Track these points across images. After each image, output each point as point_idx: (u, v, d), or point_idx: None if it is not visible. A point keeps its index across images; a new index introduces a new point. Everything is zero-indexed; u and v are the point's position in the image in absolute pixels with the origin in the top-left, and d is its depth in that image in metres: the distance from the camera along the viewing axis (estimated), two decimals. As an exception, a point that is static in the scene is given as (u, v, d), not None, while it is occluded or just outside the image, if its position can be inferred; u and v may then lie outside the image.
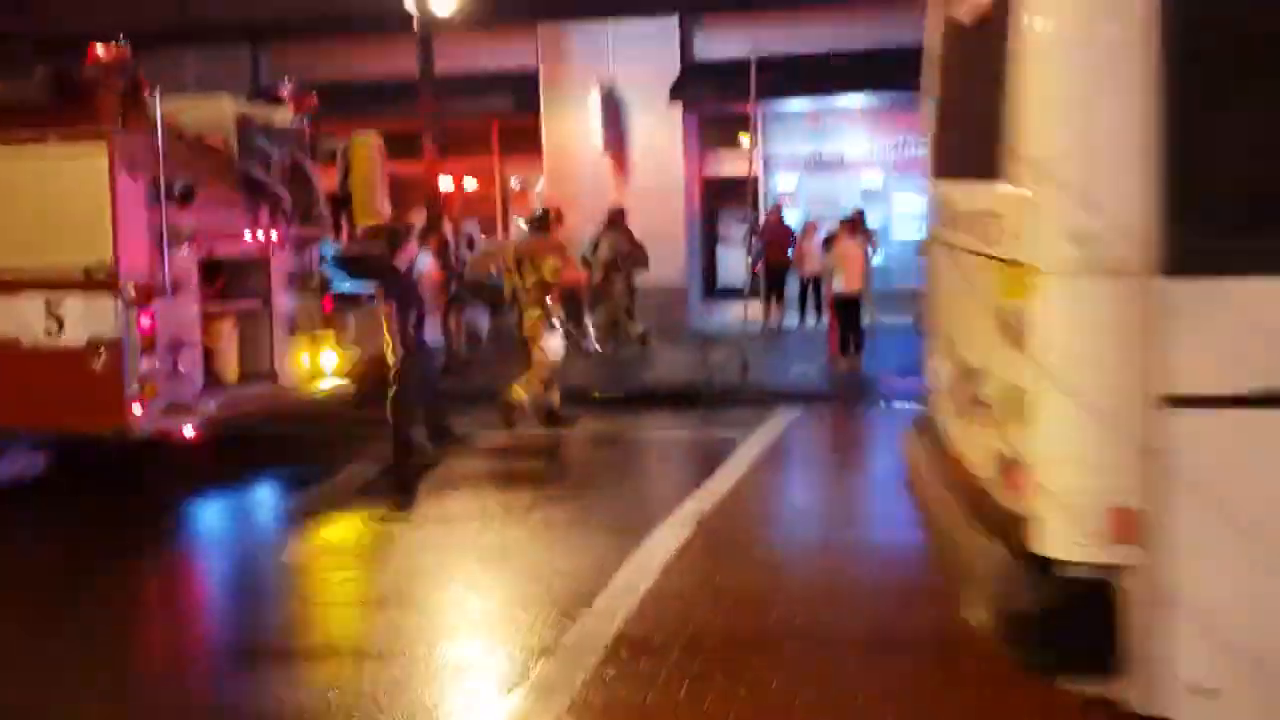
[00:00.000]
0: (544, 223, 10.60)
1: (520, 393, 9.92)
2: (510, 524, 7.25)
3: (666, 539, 6.53)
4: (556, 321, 10.12)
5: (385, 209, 10.50)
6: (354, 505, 7.97)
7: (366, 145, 10.27)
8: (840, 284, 12.93)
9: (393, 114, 16.30)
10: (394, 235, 9.43)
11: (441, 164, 15.32)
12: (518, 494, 8.05)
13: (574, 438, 10.14)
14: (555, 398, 10.27)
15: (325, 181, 10.01)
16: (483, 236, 16.84)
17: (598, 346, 12.24)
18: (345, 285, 11.08)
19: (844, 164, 17.79)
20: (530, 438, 9.96)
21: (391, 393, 8.81)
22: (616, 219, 14.86)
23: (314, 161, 9.77)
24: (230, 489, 8.61)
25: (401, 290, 8.94)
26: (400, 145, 16.51)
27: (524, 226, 10.91)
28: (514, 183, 19.02)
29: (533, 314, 9.98)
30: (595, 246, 14.74)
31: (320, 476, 8.75)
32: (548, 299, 10.00)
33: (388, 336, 8.81)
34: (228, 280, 9.19)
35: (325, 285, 9.89)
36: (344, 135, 10.88)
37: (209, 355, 8.75)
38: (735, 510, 7.25)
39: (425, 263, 12.69)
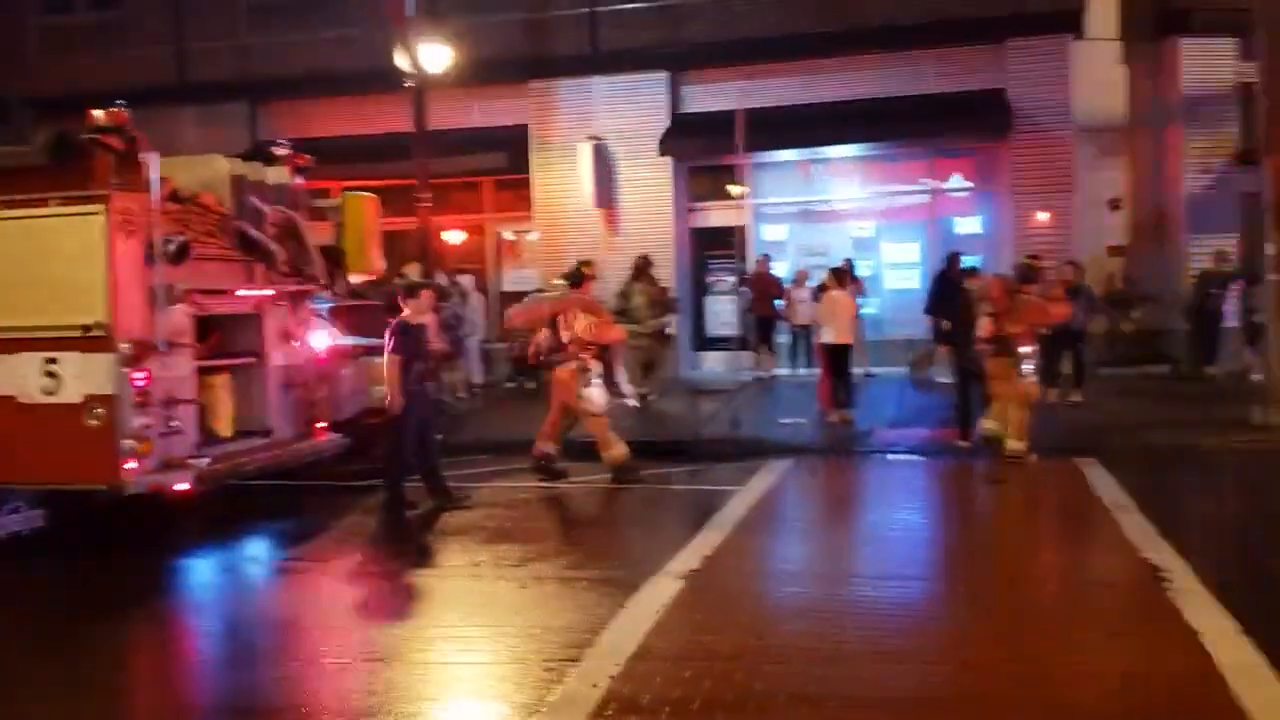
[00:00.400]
0: (577, 279, 10.69)
1: (548, 446, 10.23)
2: (500, 579, 7.24)
3: (656, 595, 6.53)
4: (596, 376, 10.13)
5: (379, 264, 10.64)
6: (346, 559, 7.98)
7: (360, 201, 10.42)
8: (830, 334, 13.01)
9: (388, 170, 16.50)
10: (410, 288, 9.51)
11: (435, 219, 15.49)
12: (508, 548, 8.05)
13: (564, 491, 10.17)
14: (554, 448, 10.36)
15: (320, 237, 10.13)
16: (477, 291, 17.01)
17: (636, 401, 12.08)
18: (340, 339, 11.14)
19: (834, 214, 17.96)
20: (521, 491, 9.99)
21: (389, 444, 8.87)
22: (643, 267, 14.95)
23: (308, 218, 9.91)
24: (224, 543, 8.61)
25: (412, 343, 9.06)
26: (395, 200, 16.74)
27: (559, 282, 11.05)
28: (507, 235, 19.17)
29: (568, 369, 10.09)
30: (626, 297, 14.82)
31: (313, 530, 8.77)
32: (584, 354, 10.07)
33: (389, 387, 8.88)
34: (223, 336, 9.28)
35: (319, 340, 9.97)
36: (339, 191, 11.05)
37: (204, 410, 8.80)
38: (725, 566, 7.26)
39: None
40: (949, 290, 13.63)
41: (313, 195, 10.60)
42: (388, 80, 14.60)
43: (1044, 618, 6.15)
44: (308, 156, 9.99)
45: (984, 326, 10.49)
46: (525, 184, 18.01)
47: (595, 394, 10.08)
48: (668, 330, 15.11)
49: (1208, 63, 16.28)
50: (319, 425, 9.79)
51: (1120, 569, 6.99)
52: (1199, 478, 10.21)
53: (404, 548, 8.24)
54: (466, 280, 16.19)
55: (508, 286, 18.92)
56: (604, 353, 10.35)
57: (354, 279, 10.77)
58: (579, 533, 8.83)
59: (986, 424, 10.95)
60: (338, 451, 9.98)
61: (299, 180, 9.92)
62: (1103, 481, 9.45)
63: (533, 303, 11.13)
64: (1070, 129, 16.19)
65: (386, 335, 9.10)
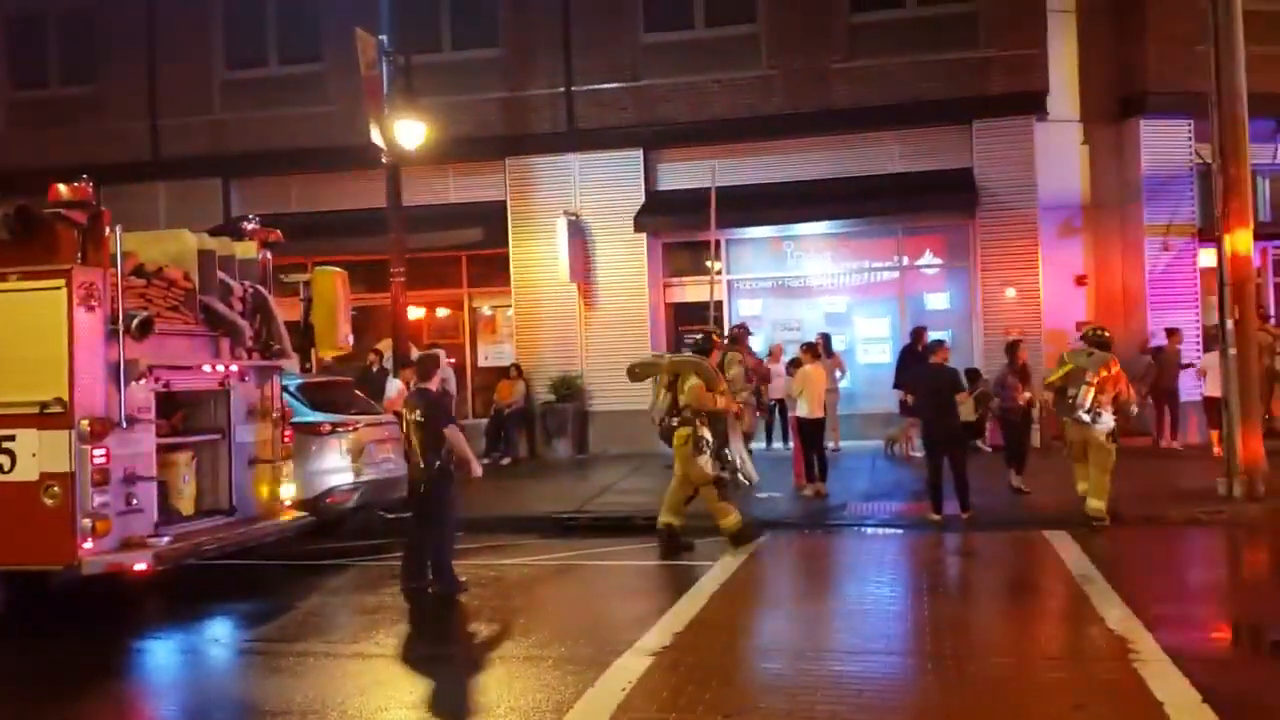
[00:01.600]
0: (706, 346, 10.83)
1: (672, 519, 10.16)
2: (467, 660, 7.13)
3: (624, 673, 6.42)
4: (705, 443, 10.05)
5: (348, 340, 10.63)
6: (308, 641, 7.82)
7: (330, 276, 10.46)
8: (804, 408, 13.03)
9: (364, 245, 16.66)
10: (424, 361, 9.42)
11: (411, 294, 15.57)
12: (476, 627, 7.94)
13: (535, 568, 10.06)
14: (676, 520, 10.27)
15: (289, 312, 10.14)
16: (450, 361, 16.98)
17: (747, 478, 11.81)
18: (309, 416, 11.08)
19: (807, 289, 18.14)
20: (491, 569, 9.88)
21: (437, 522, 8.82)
22: (739, 336, 14.92)
23: (277, 293, 9.92)
24: (186, 624, 8.43)
25: (443, 414, 8.94)
26: (371, 276, 16.85)
27: (690, 342, 11.21)
28: (485, 310, 19.23)
29: (683, 433, 10.05)
30: (723, 368, 14.76)
31: (276, 611, 8.62)
32: (697, 420, 10.02)
33: (465, 454, 8.82)
34: (187, 412, 9.21)
35: (287, 416, 9.91)
36: (313, 266, 11.10)
37: (165, 488, 8.69)
38: (696, 642, 7.16)
39: (395, 388, 12.80)
40: (914, 364, 13.74)
41: (284, 270, 10.66)
42: (363, 156, 14.77)
43: (1012, 690, 6.09)
44: (277, 232, 10.03)
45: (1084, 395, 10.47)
46: (503, 259, 18.14)
47: (705, 461, 10.02)
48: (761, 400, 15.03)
49: (1166, 143, 16.68)
50: (284, 503, 9.68)
51: (1087, 641, 6.94)
52: (1166, 549, 10.22)
53: (367, 629, 8.09)
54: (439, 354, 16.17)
55: (484, 362, 18.96)
56: (718, 423, 10.27)
57: (325, 355, 10.77)
58: (549, 610, 8.70)
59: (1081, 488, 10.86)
60: (303, 530, 9.87)
61: (268, 255, 9.94)
62: (1071, 553, 9.45)
63: (656, 357, 11.19)
64: (1035, 207, 16.51)
65: (424, 407, 8.77)
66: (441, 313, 19.34)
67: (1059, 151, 16.92)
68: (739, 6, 17.37)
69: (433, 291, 18.91)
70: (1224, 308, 11.66)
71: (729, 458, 10.47)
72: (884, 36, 16.85)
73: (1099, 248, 17.47)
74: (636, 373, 10.90)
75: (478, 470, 9.06)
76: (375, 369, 15.58)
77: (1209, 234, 14.76)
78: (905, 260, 17.73)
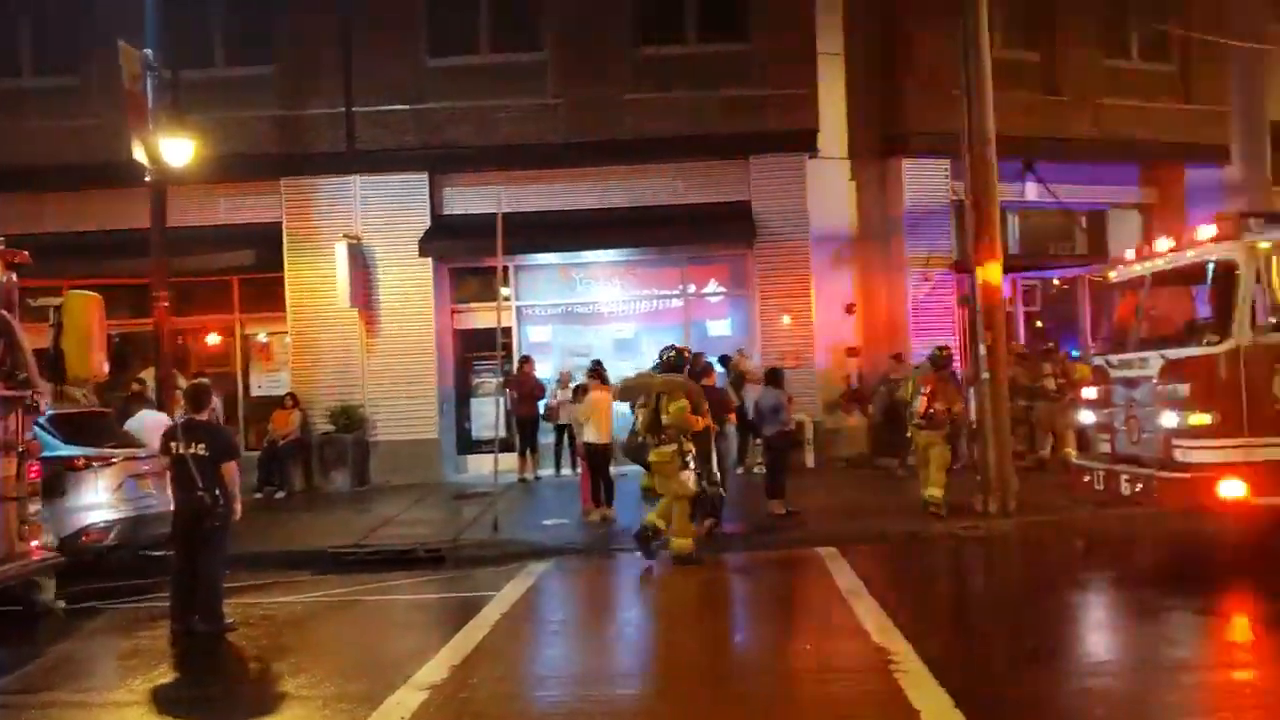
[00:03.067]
0: (680, 364, 11.14)
1: (659, 522, 10.51)
2: (231, 702, 6.81)
3: (398, 709, 6.23)
4: (691, 459, 10.36)
5: (102, 368, 9.91)
6: (57, 691, 7.20)
7: (82, 300, 9.69)
8: (591, 434, 13.11)
9: (127, 267, 15.66)
10: (197, 391, 9.06)
11: (178, 320, 14.74)
12: (243, 667, 7.60)
13: (309, 604, 9.67)
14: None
15: (41, 339, 9.39)
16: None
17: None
18: (61, 450, 10.29)
19: (596, 316, 18.32)
20: (261, 608, 9.42)
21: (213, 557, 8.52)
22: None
23: (23, 318, 9.15)
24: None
25: (231, 448, 8.72)
26: (135, 300, 15.84)
27: (662, 360, 11.38)
28: (260, 337, 18.42)
29: (666, 451, 10.32)
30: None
31: (24, 659, 7.95)
32: (684, 438, 10.31)
33: (236, 492, 8.60)
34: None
35: (33, 450, 9.15)
36: (67, 290, 10.27)
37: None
38: (473, 674, 7.02)
39: (157, 419, 12.04)
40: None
41: (34, 294, 9.87)
42: (127, 173, 13.92)
43: (783, 705, 6.28)
44: (24, 253, 9.26)
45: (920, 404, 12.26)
46: (278, 283, 17.44)
47: (688, 476, 10.33)
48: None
49: (925, 181, 17.86)
50: (33, 543, 8.91)
51: (851, 654, 7.25)
52: (927, 563, 10.84)
53: (123, 675, 7.53)
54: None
55: (258, 391, 18.15)
56: (700, 441, 10.59)
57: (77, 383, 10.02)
58: (321, 648, 8.35)
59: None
60: (51, 570, 9.13)
61: (13, 277, 9.16)
62: (840, 570, 9.87)
63: (647, 376, 11.25)
64: (808, 239, 17.32)
65: (208, 441, 8.54)
66: (213, 339, 18.37)
67: (829, 187, 17.83)
68: (525, 34, 17.43)
69: (202, 317, 18.02)
70: (977, 334, 12.52)
71: (715, 476, 10.96)
72: (668, 71, 17.27)
73: (866, 277, 18.47)
74: (628, 391, 11.20)
75: (239, 513, 8.78)
76: (138, 400, 14.63)
77: (963, 266, 15.85)
78: (691, 288, 18.20)
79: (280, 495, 16.37)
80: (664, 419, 10.40)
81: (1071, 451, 15.03)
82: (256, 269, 17.24)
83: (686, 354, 11.76)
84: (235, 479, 8.64)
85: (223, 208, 17.40)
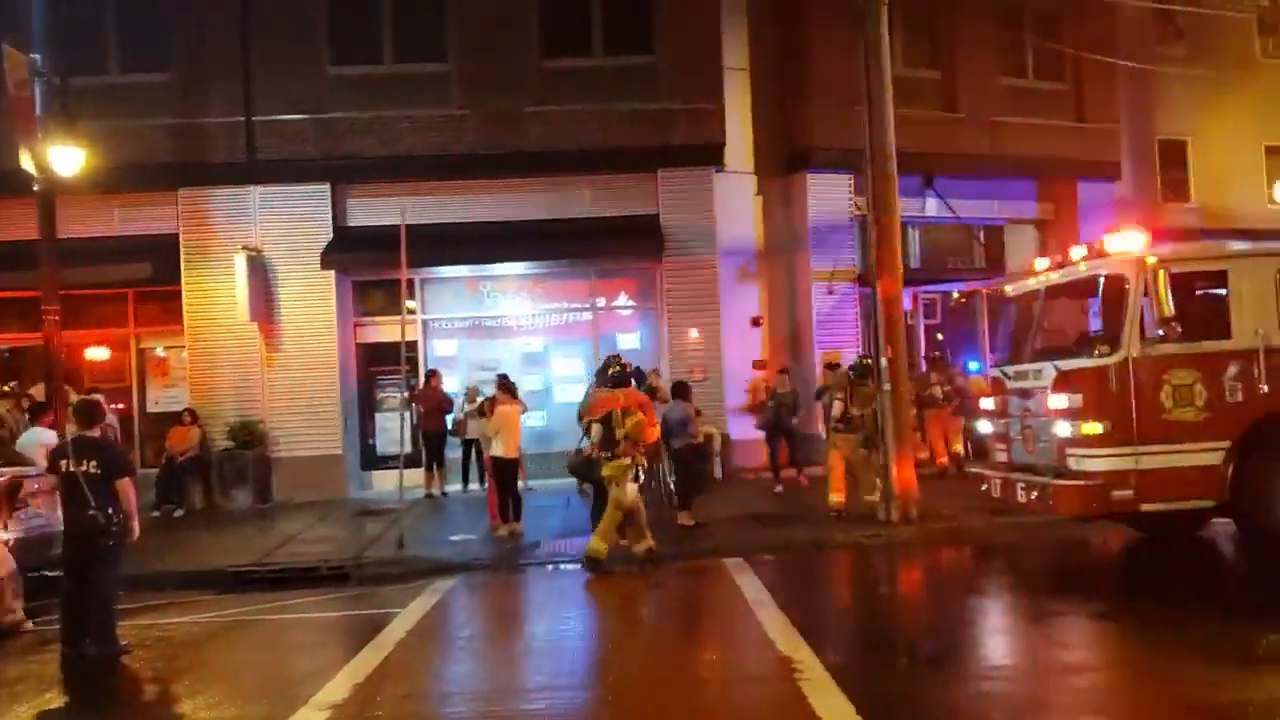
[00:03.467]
0: (623, 378, 11.29)
1: (600, 546, 10.66)
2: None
3: (296, 731, 6.11)
4: (638, 473, 10.73)
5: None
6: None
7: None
8: (499, 448, 13.01)
9: (13, 280, 15.13)
10: (88, 407, 8.82)
11: (68, 334, 14.23)
12: (137, 691, 7.38)
13: (207, 624, 9.39)
14: (650, 543, 10.80)
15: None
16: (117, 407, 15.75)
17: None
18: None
19: (504, 329, 18.21)
20: (157, 629, 9.12)
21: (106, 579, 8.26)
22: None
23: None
24: None
25: (125, 465, 8.54)
26: (24, 314, 15.26)
27: (612, 375, 11.46)
28: (158, 352, 17.89)
29: (621, 463, 10.58)
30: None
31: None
32: (634, 451, 10.64)
33: (133, 510, 8.40)
34: None
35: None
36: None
37: None
38: (375, 692, 6.90)
39: (47, 437, 11.59)
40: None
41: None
42: (14, 182, 13.42)
43: (689, 716, 6.30)
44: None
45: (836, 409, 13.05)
46: (175, 296, 16.97)
47: (631, 489, 10.63)
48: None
49: (829, 196, 18.20)
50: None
51: (757, 663, 7.31)
52: (832, 572, 11.02)
53: (6, 703, 7.21)
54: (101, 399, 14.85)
55: (155, 407, 17.62)
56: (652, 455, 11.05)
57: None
58: (220, 669, 8.10)
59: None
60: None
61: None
62: (747, 581, 9.95)
63: (606, 394, 11.27)
64: (715, 253, 17.47)
65: (100, 458, 8.30)
66: (107, 354, 17.78)
67: (736, 201, 18.01)
68: (429, 45, 17.26)
69: (95, 331, 17.44)
70: (878, 346, 12.77)
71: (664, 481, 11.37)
72: (574, 83, 17.28)
73: (772, 291, 18.71)
74: (593, 410, 11.27)
75: (137, 532, 8.55)
76: (25, 416, 14.06)
77: (867, 279, 16.15)
78: (600, 301, 18.21)
79: (179, 514, 15.90)
80: (618, 432, 10.61)
81: (959, 450, 15.62)
82: (153, 281, 16.74)
83: (628, 367, 11.81)
84: (131, 497, 8.40)
85: (118, 218, 16.90)
